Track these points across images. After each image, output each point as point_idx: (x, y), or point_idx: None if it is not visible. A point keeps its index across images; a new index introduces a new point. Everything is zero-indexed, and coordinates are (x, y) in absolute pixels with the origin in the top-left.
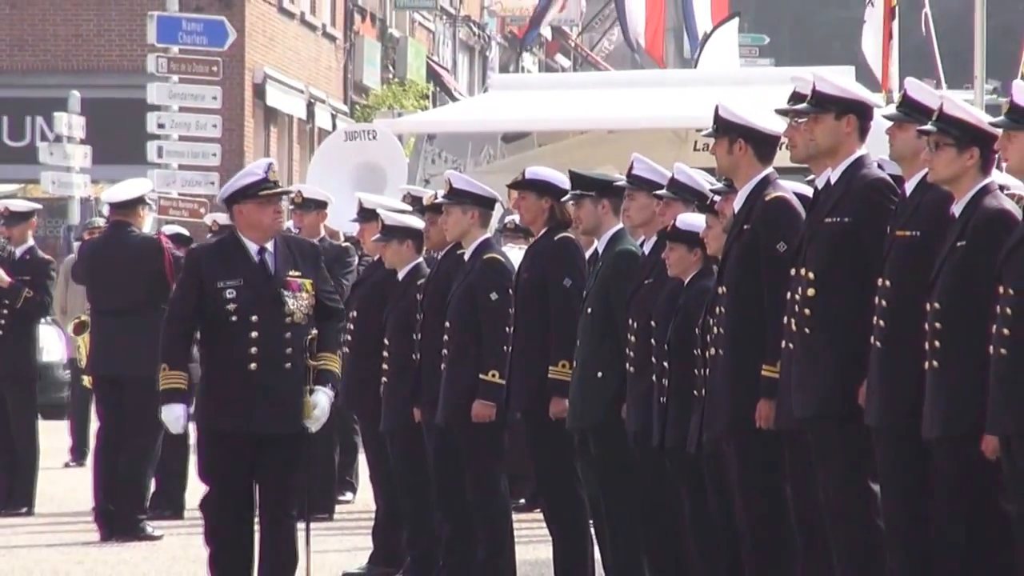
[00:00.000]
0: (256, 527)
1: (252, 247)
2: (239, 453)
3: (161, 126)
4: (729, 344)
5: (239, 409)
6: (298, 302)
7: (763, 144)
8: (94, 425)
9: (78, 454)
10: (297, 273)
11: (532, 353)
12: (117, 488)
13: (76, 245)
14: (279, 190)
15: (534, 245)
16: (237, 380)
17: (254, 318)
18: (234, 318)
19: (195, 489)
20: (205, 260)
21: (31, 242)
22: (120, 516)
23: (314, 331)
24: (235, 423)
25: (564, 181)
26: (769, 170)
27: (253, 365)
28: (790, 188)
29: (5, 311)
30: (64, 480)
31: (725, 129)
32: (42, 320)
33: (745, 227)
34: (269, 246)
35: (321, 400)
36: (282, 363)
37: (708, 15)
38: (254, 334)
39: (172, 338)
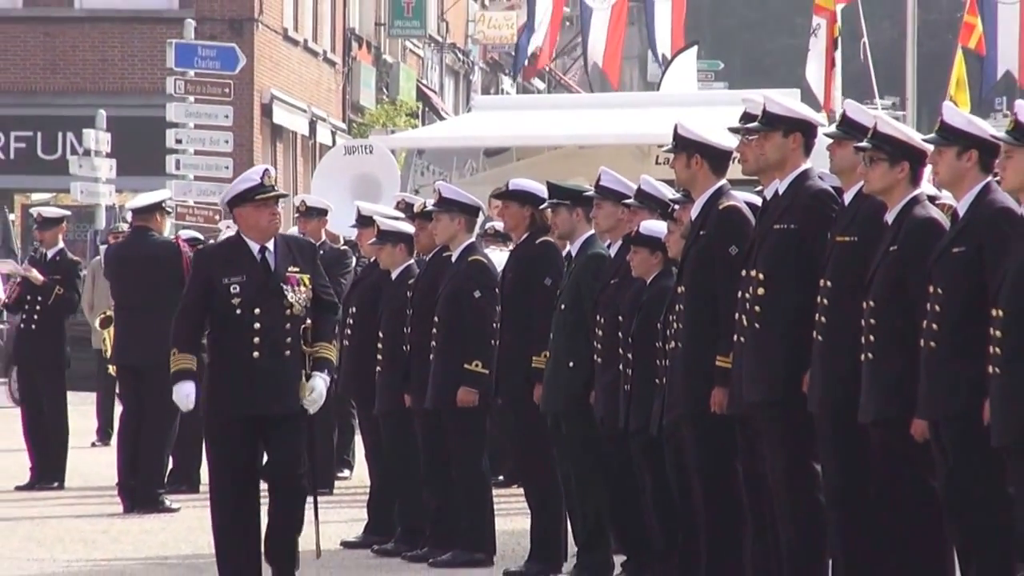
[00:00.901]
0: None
1: (254, 246)
2: (243, 434)
3: (179, 141)
4: (687, 337)
5: (244, 393)
6: (297, 295)
7: (717, 159)
8: (118, 409)
9: (103, 435)
10: (296, 269)
11: (517, 346)
12: (138, 465)
13: (102, 248)
14: (273, 194)
15: (517, 248)
16: (242, 367)
17: (257, 310)
18: (239, 311)
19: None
20: (212, 259)
21: (61, 245)
22: (141, 490)
23: (309, 321)
24: (240, 406)
25: (543, 191)
26: (723, 182)
27: (256, 353)
28: (741, 198)
29: (38, 307)
30: (91, 458)
31: (684, 145)
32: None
33: (701, 232)
34: (270, 245)
35: (318, 384)
36: (282, 351)
37: (668, 42)
38: (256, 325)
39: (182, 326)
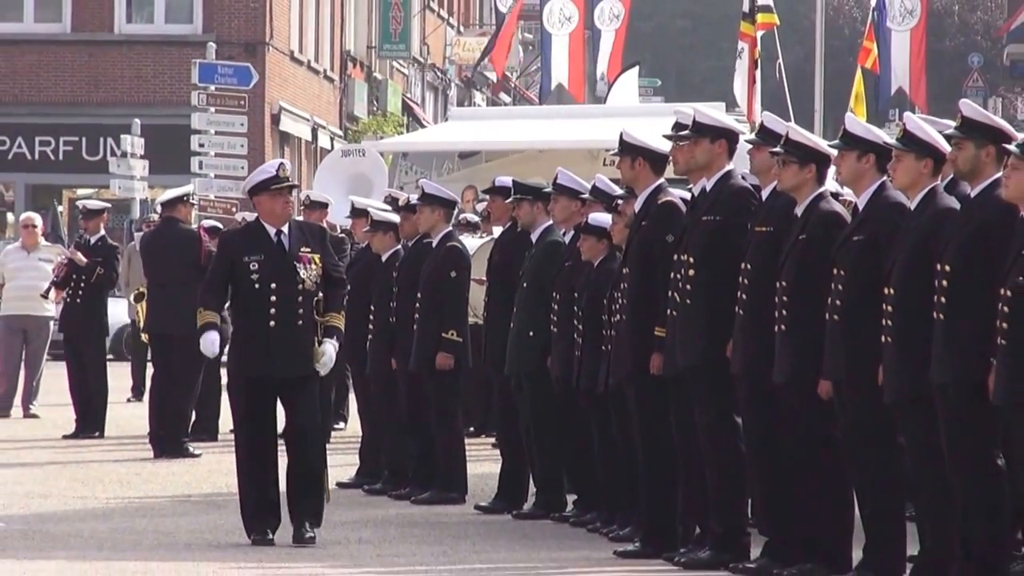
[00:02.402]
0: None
1: (271, 230)
2: (262, 394)
3: (201, 145)
4: (631, 311)
5: (262, 357)
6: (308, 272)
7: (657, 160)
8: (149, 371)
9: (137, 392)
10: (307, 249)
11: (502, 318)
12: (166, 418)
13: (136, 234)
14: (287, 184)
15: (503, 236)
16: (260, 334)
17: (273, 285)
18: (257, 286)
19: (226, 417)
20: (235, 240)
21: (103, 232)
22: (168, 439)
23: (321, 295)
24: (259, 367)
25: None
26: (661, 180)
27: (272, 323)
28: (677, 194)
29: (83, 284)
30: (127, 412)
31: (628, 149)
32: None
33: (643, 223)
34: (285, 229)
35: (328, 349)
36: (295, 321)
37: (606, 64)
38: (273, 298)
39: (206, 293)
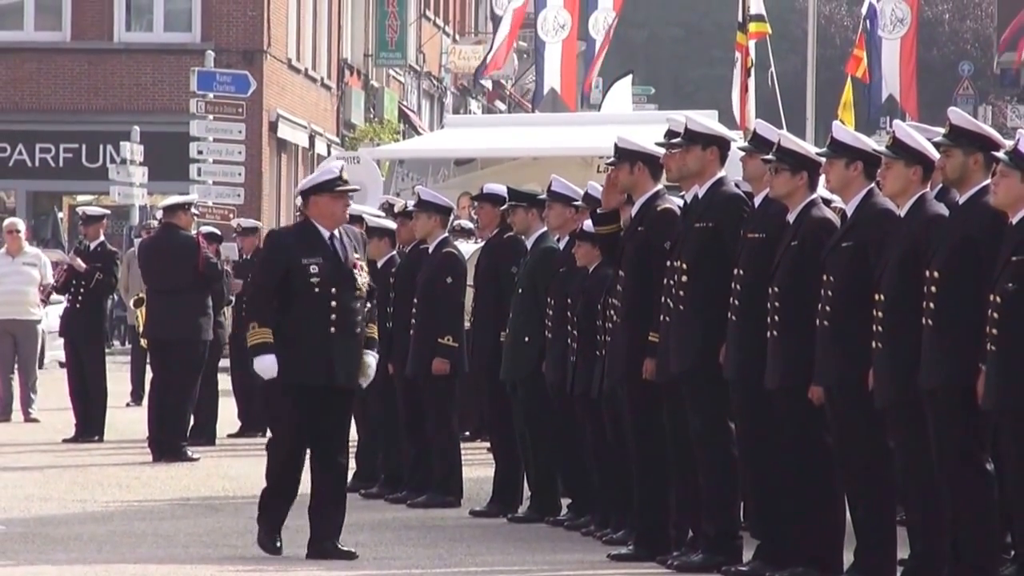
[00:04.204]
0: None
1: (324, 232)
2: (314, 403)
3: (200, 152)
4: (626, 316)
5: (324, 367)
6: (362, 279)
7: (656, 165)
8: (148, 375)
9: (136, 396)
10: (358, 256)
11: (488, 323)
12: (165, 422)
13: (136, 240)
14: (350, 188)
15: (490, 242)
16: (321, 343)
17: (333, 290)
18: (317, 289)
19: (223, 421)
20: (289, 241)
21: (102, 238)
22: (167, 443)
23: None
24: (321, 379)
25: None
26: (660, 186)
27: (332, 329)
28: (675, 201)
29: (82, 289)
30: (126, 416)
31: (627, 156)
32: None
33: (640, 229)
34: (337, 233)
35: (371, 362)
36: (354, 329)
37: (594, 71)
38: (333, 303)
39: (260, 302)
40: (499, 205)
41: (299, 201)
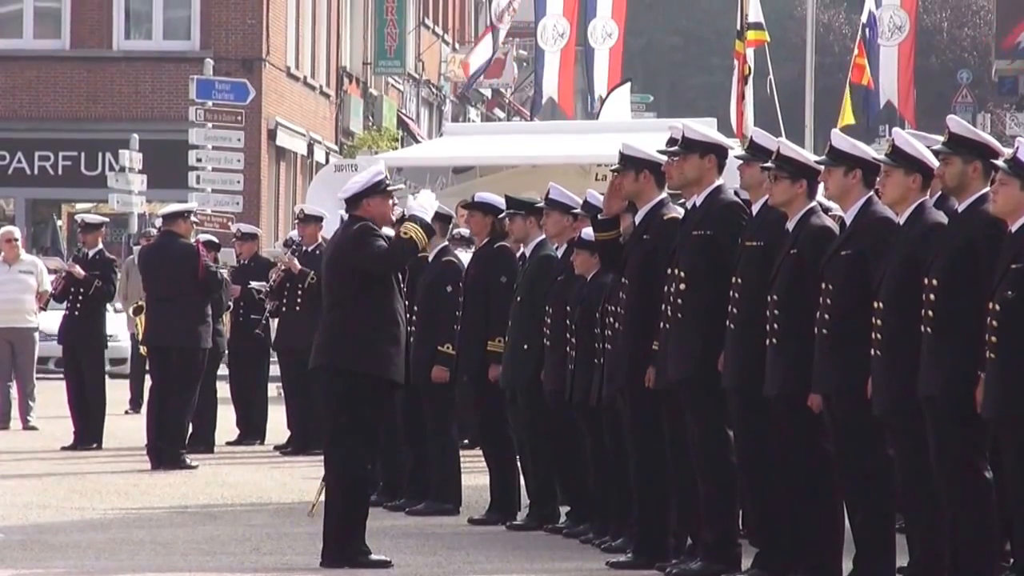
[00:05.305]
0: None
1: (385, 231)
2: (383, 397)
3: (198, 160)
4: (628, 323)
5: (401, 366)
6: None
7: (661, 174)
8: (147, 383)
9: (135, 404)
10: None
11: (476, 332)
12: (164, 430)
13: (135, 248)
14: (397, 187)
15: (479, 250)
16: (402, 341)
17: (404, 289)
18: (401, 287)
19: (222, 429)
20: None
21: (101, 246)
22: (166, 451)
23: None
24: (397, 372)
25: (502, 203)
26: (664, 195)
27: (401, 324)
28: (679, 210)
29: (81, 297)
30: (124, 423)
31: (632, 163)
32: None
33: (645, 236)
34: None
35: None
36: (408, 325)
37: (605, 80)
38: (407, 301)
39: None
40: (489, 214)
41: (343, 209)
